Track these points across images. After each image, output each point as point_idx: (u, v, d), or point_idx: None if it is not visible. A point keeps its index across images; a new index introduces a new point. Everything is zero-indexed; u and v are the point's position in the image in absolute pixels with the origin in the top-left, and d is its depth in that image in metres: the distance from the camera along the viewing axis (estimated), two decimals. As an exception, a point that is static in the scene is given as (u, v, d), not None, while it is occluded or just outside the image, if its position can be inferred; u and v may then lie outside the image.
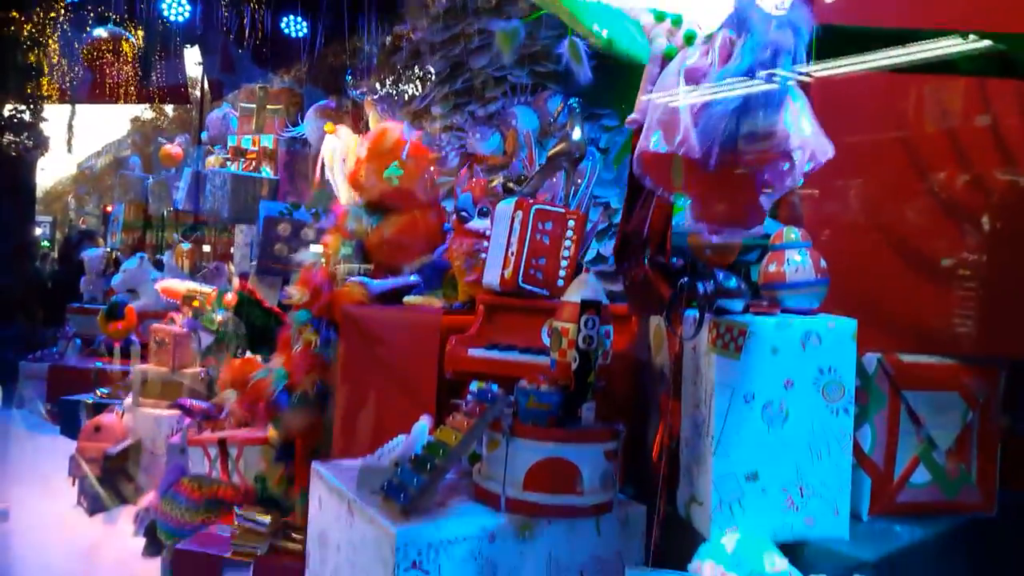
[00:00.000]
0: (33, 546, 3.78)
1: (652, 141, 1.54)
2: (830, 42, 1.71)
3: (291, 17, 6.24)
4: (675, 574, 1.64)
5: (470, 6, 4.18)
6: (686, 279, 1.86)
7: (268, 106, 6.03)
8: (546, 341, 2.31)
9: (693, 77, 1.52)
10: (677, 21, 1.68)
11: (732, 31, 1.50)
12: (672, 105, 1.53)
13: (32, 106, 8.17)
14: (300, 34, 6.30)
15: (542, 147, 3.57)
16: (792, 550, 1.69)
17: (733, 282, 1.84)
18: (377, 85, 4.81)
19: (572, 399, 1.89)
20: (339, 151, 4.04)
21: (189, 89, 11.55)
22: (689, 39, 1.63)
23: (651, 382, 2.16)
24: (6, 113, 7.88)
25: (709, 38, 1.55)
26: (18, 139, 7.84)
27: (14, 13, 7.54)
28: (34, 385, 5.91)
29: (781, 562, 1.63)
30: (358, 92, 5.26)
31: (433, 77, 4.27)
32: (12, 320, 6.93)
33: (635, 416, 2.11)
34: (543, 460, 1.83)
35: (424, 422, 2.21)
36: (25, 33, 7.55)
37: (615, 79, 3.06)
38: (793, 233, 1.90)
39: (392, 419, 2.56)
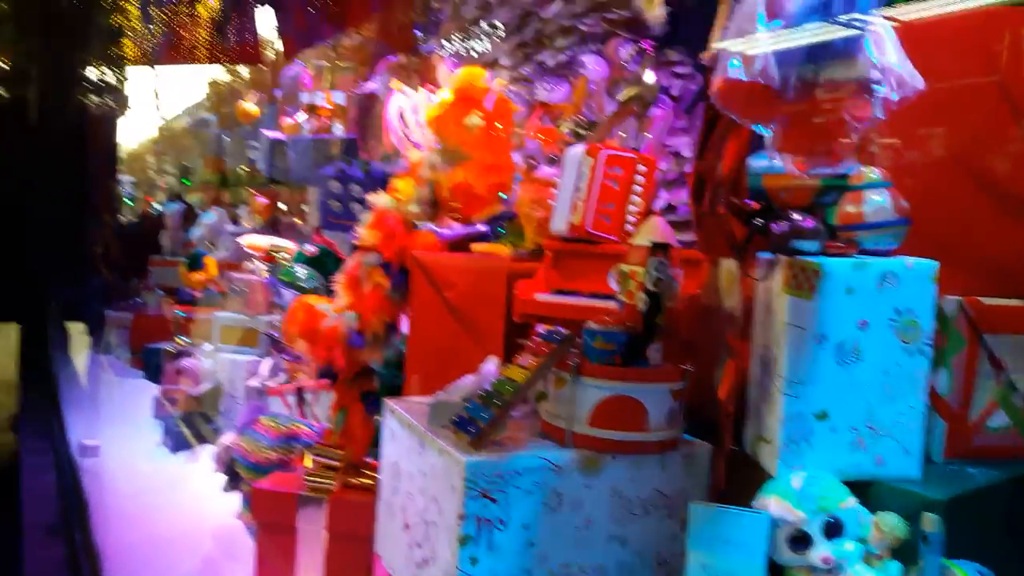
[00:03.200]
0: (122, 479, 4.02)
1: (731, 69, 1.52)
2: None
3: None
4: (739, 509, 1.65)
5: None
6: (761, 220, 1.85)
7: (339, 63, 6.12)
8: (613, 286, 2.32)
9: (772, 7, 1.49)
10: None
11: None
12: (751, 33, 1.50)
13: (114, 68, 8.43)
14: (372, -8, 6.33)
15: (611, 95, 3.54)
16: (860, 488, 1.68)
17: (809, 223, 1.81)
18: (445, 40, 4.82)
19: (639, 340, 1.90)
20: (407, 106, 4.09)
21: (263, 49, 11.77)
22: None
23: (720, 325, 2.15)
24: (90, 75, 8.14)
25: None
26: (101, 100, 8.10)
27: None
28: (119, 333, 6.22)
29: (849, 499, 1.62)
30: (427, 47, 5.29)
31: (501, 29, 4.24)
32: (99, 272, 7.27)
33: (703, 358, 2.11)
34: (609, 398, 1.85)
35: (492, 363, 2.26)
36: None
37: (689, 24, 3.00)
38: (873, 173, 1.85)
39: (461, 361, 2.61)
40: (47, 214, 5.87)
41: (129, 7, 9.18)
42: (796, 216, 1.81)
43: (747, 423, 1.93)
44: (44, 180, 5.54)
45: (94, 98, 8.08)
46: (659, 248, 1.91)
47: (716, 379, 2.02)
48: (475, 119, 3.07)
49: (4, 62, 7.27)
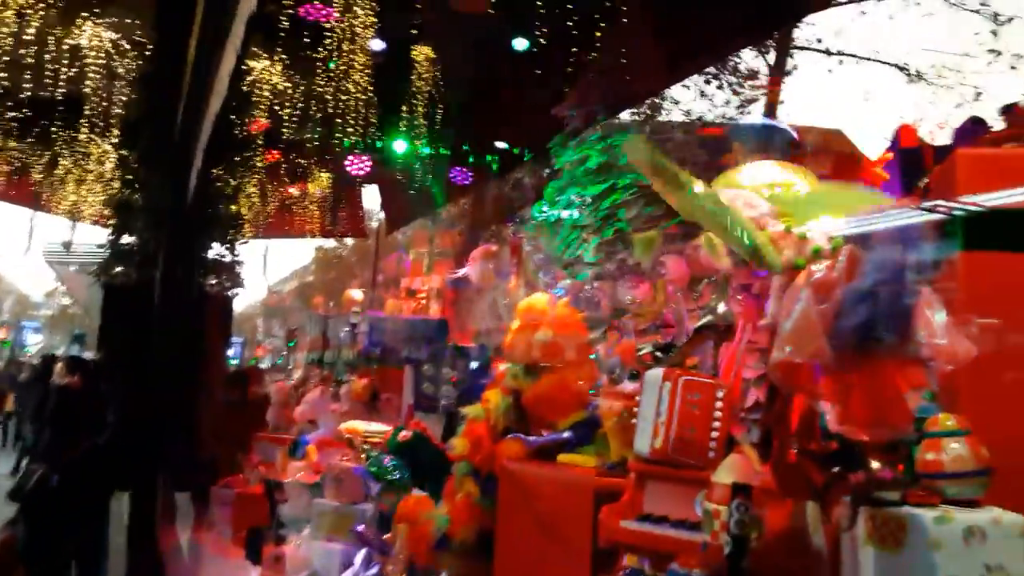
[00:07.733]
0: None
1: (786, 351, 1.61)
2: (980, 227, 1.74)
3: (459, 169, 6.83)
4: None
5: (622, 161, 4.42)
6: (838, 467, 1.87)
7: (436, 250, 6.57)
8: (699, 512, 2.33)
9: (821, 290, 1.60)
10: (804, 236, 1.77)
11: (858, 245, 1.58)
12: (803, 316, 1.60)
13: (231, 249, 9.09)
14: (466, 183, 6.85)
15: (692, 290, 3.67)
16: None
17: (888, 473, 1.82)
18: (532, 234, 5.11)
19: (724, 585, 1.90)
20: (499, 295, 4.35)
21: (368, 223, 12.66)
22: (816, 253, 1.72)
23: (810, 564, 2.12)
24: (210, 256, 8.77)
25: (835, 250, 1.64)
26: (219, 279, 8.69)
27: (218, 171, 8.50)
28: (222, 511, 6.41)
29: None
30: (516, 238, 5.63)
31: (584, 228, 4.49)
32: (206, 446, 7.59)
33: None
34: (695, 649, 1.84)
35: (579, 591, 2.29)
36: (229, 188, 8.54)
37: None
38: (949, 420, 1.87)
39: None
40: (162, 387, 6.27)
41: (250, 190, 10.12)
42: (875, 465, 1.83)
43: None
44: (161, 356, 5.96)
45: (212, 279, 8.67)
46: (740, 489, 1.94)
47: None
48: (542, 334, 3.26)
49: (134, 248, 7.96)
